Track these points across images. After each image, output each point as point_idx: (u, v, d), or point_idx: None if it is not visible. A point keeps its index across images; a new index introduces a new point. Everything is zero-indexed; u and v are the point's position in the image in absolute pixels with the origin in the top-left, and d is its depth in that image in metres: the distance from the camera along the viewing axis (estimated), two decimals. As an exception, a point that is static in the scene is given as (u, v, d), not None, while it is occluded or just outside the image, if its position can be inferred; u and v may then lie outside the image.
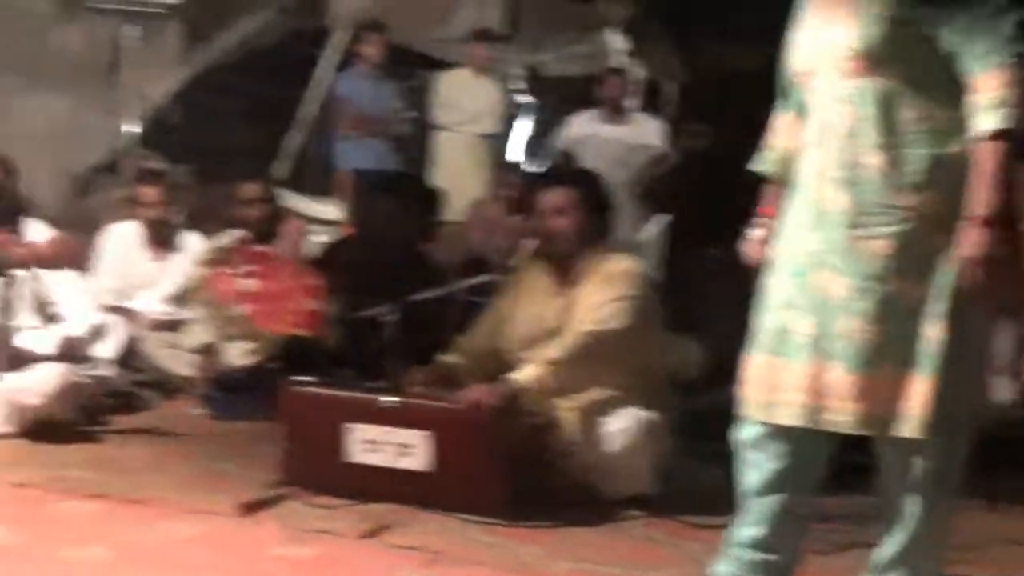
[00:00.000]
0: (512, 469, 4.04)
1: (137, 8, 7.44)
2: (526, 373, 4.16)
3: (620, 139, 8.44)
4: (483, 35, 9.11)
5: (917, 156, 2.90)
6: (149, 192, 6.30)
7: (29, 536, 3.58)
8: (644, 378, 4.37)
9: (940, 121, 2.90)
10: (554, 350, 4.22)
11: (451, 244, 7.30)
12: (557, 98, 10.05)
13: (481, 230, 7.53)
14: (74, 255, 5.07)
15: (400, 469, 4.09)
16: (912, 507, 3.03)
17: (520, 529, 3.92)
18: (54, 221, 7.00)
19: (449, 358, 4.57)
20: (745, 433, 3.11)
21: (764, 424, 3.05)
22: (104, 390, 5.28)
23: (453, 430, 4.05)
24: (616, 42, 10.45)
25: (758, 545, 3.13)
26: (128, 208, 6.76)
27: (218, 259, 5.75)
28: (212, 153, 10.13)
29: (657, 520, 4.09)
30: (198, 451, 4.77)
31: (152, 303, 6.30)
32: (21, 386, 4.67)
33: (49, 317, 5.70)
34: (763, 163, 3.30)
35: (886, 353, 2.92)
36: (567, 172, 6.72)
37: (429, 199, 6.86)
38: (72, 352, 5.27)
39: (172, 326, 6.18)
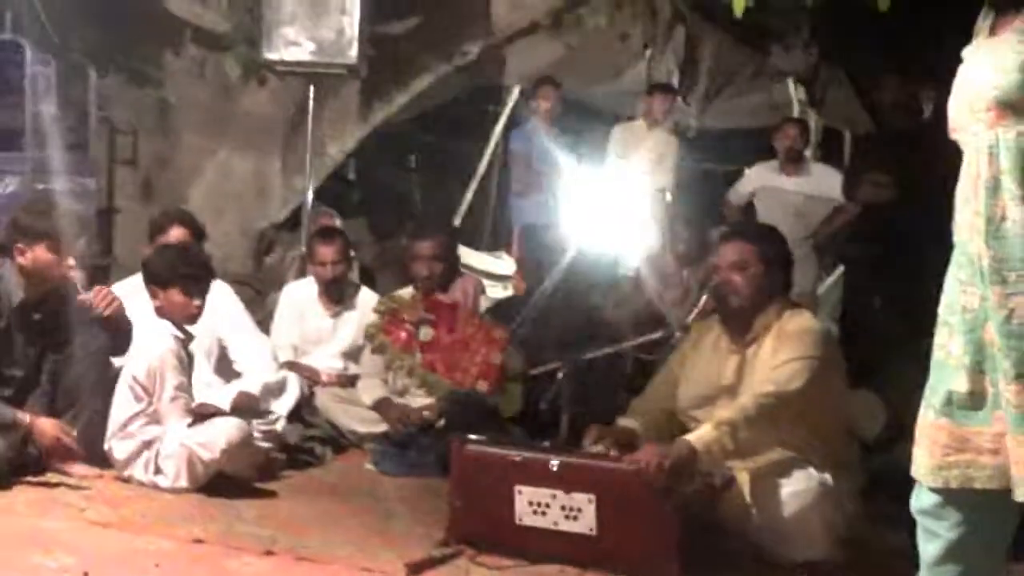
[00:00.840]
0: (684, 531, 3.93)
1: (320, 70, 7.59)
2: (701, 434, 4.04)
3: (798, 190, 8.28)
4: (659, 88, 9.08)
5: None
6: (325, 251, 6.38)
7: (201, 592, 3.61)
8: (825, 438, 4.24)
9: None
10: (731, 411, 4.09)
11: (625, 299, 7.24)
12: (733, 149, 9.92)
13: (654, 282, 7.43)
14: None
15: (568, 531, 4.01)
16: None
17: (691, 592, 3.81)
18: (236, 279, 7.21)
19: (626, 421, 4.49)
20: (924, 499, 2.96)
21: (943, 489, 2.90)
22: (278, 445, 5.31)
23: (620, 493, 3.96)
24: (793, 91, 10.29)
25: None
26: (305, 265, 6.88)
27: (396, 307, 5.77)
28: (388, 208, 10.30)
29: (833, 585, 3.94)
30: (368, 507, 4.77)
31: (327, 359, 6.38)
32: (197, 440, 4.74)
33: (229, 373, 5.83)
34: None
35: None
36: (747, 226, 6.60)
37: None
38: (248, 408, 5.35)
39: (346, 382, 6.24)
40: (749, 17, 6.25)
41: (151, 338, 4.96)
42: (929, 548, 2.98)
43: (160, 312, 5.00)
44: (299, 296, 6.54)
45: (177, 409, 4.87)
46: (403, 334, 5.66)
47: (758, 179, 8.52)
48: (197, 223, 6.10)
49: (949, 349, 2.94)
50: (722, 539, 4.14)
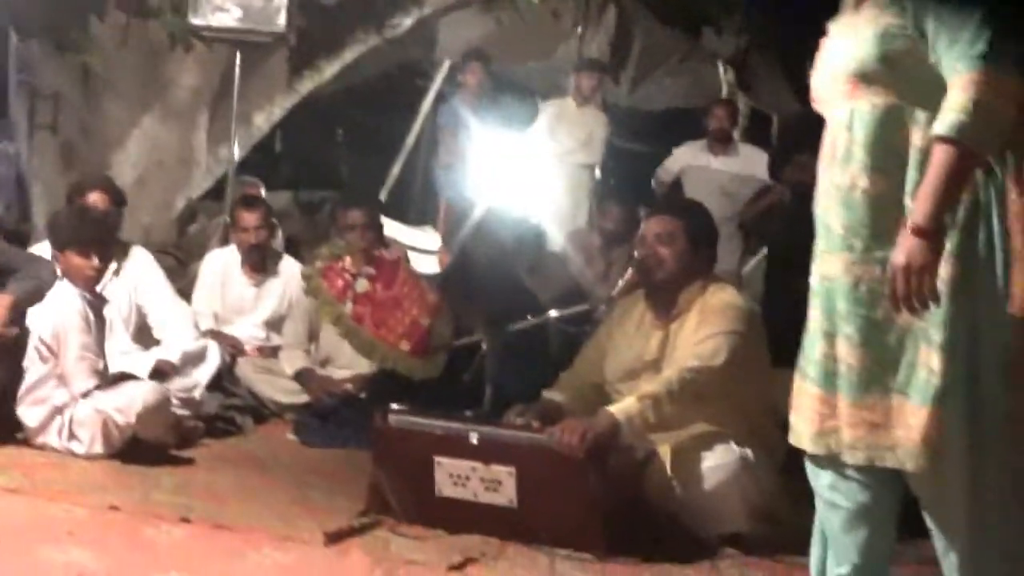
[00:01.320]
0: (606, 504, 3.92)
1: (247, 37, 7.47)
2: (624, 406, 4.03)
3: (725, 170, 8.32)
4: (587, 66, 9.06)
5: (911, 180, 2.80)
6: (248, 217, 6.31)
7: (117, 561, 3.53)
8: (747, 414, 4.25)
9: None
10: (655, 385, 4.09)
11: (549, 274, 7.24)
12: (662, 129, 9.95)
13: (580, 258, 7.44)
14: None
15: (488, 504, 4.00)
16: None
17: (613, 565, 3.81)
18: (159, 248, 7.11)
19: (551, 394, 4.47)
20: (818, 469, 3.02)
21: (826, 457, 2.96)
22: (197, 414, 5.25)
23: (541, 466, 3.95)
24: (723, 73, 10.34)
25: None
26: (228, 234, 6.80)
27: (341, 254, 5.69)
28: (314, 182, 10.22)
29: (754, 560, 3.95)
30: (288, 478, 4.72)
31: (249, 328, 6.32)
32: (112, 405, 4.67)
33: (148, 341, 5.75)
34: None
35: (876, 378, 2.84)
36: (673, 201, 6.61)
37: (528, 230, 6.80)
38: (167, 376, 5.29)
39: (269, 352, 6.18)
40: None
41: (56, 299, 4.88)
42: (832, 519, 3.02)
43: (64, 274, 4.92)
44: (221, 264, 6.46)
45: (83, 370, 4.79)
46: (340, 282, 5.55)
47: (686, 158, 8.55)
48: (116, 189, 6.01)
49: (813, 316, 2.99)
50: (645, 512, 4.14)
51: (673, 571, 3.82)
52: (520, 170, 9.14)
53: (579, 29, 9.73)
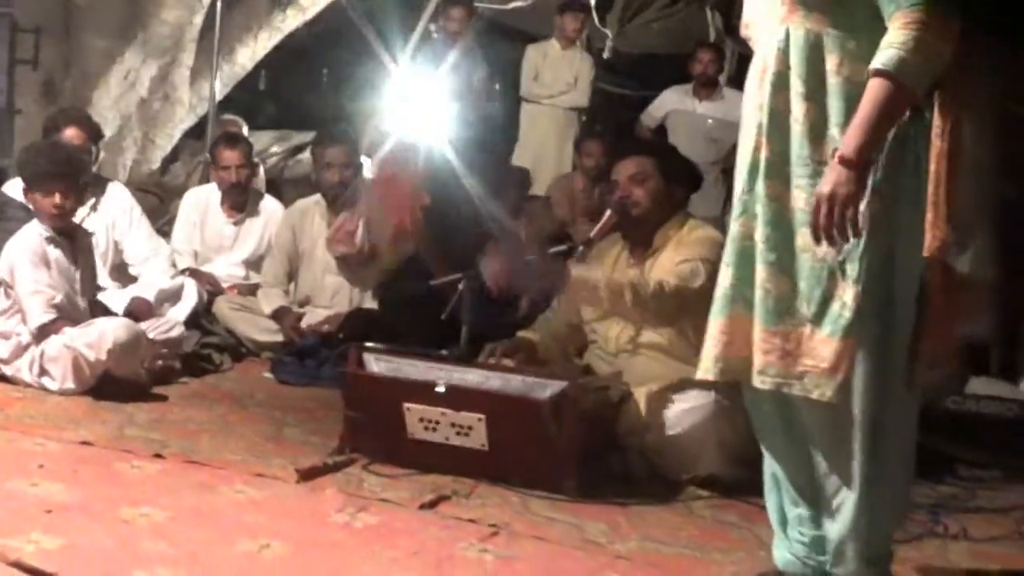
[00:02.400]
0: (579, 447, 3.93)
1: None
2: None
3: (711, 116, 8.28)
4: (571, 6, 8.97)
5: (838, 108, 2.78)
6: (229, 155, 6.27)
7: (88, 494, 3.52)
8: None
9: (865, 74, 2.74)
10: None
11: (537, 219, 7.21)
12: (647, 73, 9.86)
13: (564, 204, 7.42)
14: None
15: (460, 446, 4.00)
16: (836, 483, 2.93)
17: (586, 506, 3.81)
18: (140, 187, 7.07)
19: (529, 334, 4.47)
20: (745, 395, 3.07)
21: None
22: (174, 352, 5.23)
23: (508, 415, 3.94)
24: (710, 18, 10.24)
25: (800, 522, 3.08)
26: (210, 172, 6.76)
27: None
28: (298, 122, 10.13)
29: (726, 501, 3.97)
30: (264, 416, 4.72)
31: (228, 267, 6.30)
32: (83, 341, 4.64)
33: (126, 278, 5.72)
34: None
35: (791, 307, 2.84)
36: (644, 141, 6.58)
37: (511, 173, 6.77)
38: (143, 313, 5.27)
39: (248, 291, 6.17)
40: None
41: (18, 234, 4.87)
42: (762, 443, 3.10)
43: (34, 210, 4.88)
44: (201, 202, 6.44)
45: (37, 304, 4.76)
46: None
47: (671, 103, 8.51)
48: (93, 124, 5.96)
49: (733, 238, 2.97)
50: (618, 454, 4.14)
51: (646, 513, 3.83)
52: (504, 113, 9.11)
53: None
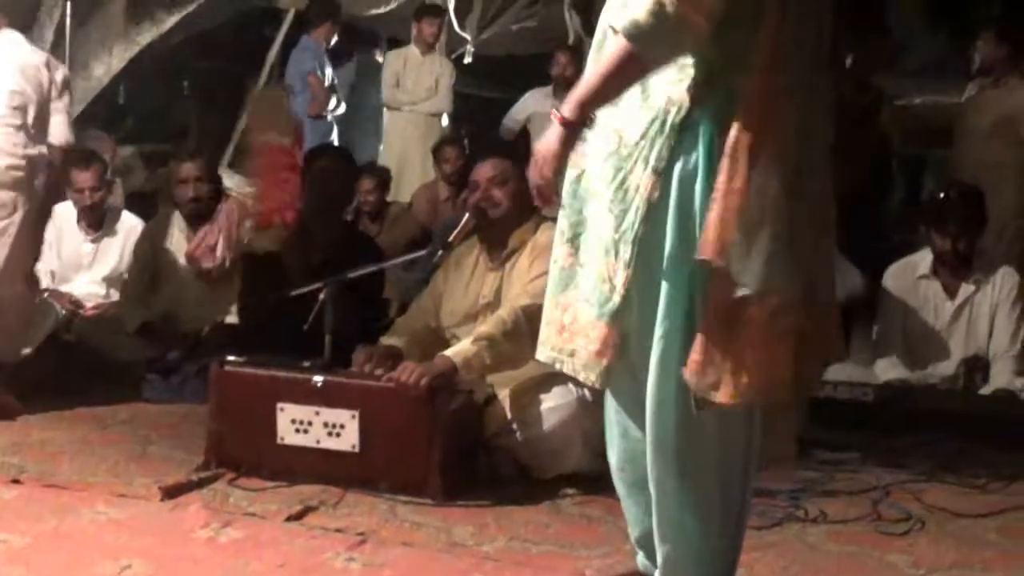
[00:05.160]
0: (445, 448, 3.95)
1: (79, -15, 7.24)
2: (460, 348, 4.06)
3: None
4: (427, 11, 8.98)
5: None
6: (81, 177, 6.17)
7: (-61, 527, 3.46)
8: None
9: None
10: (489, 326, 4.12)
11: (399, 224, 7.23)
12: (508, 75, 9.94)
13: (427, 209, 7.43)
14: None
15: (330, 450, 4.00)
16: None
17: (453, 509, 3.83)
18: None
19: (390, 339, 4.47)
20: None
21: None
22: (35, 371, 5.13)
23: (382, 409, 3.96)
24: (569, 19, 10.35)
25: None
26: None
27: None
28: (160, 134, 10.00)
29: (593, 498, 4.00)
30: (127, 435, 4.67)
31: (88, 285, 6.21)
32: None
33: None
34: None
35: (571, 279, 2.75)
36: (501, 144, 6.62)
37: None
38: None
39: (109, 308, 6.08)
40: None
41: None
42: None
43: None
44: (56, 220, 6.30)
45: None
46: None
47: (532, 105, 8.57)
48: None
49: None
50: (484, 455, 4.17)
51: (514, 512, 3.85)
52: (366, 120, 9.11)
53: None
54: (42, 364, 5.29)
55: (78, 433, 4.63)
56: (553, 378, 4.19)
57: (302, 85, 8.96)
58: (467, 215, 4.42)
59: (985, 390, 5.27)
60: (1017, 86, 6.76)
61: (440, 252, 4.44)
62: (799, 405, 4.43)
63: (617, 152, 2.64)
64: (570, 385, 4.17)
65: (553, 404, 4.15)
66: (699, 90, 2.56)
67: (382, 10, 9.84)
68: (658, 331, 2.60)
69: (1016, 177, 6.63)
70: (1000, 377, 5.29)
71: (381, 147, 9.25)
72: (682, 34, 2.47)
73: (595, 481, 4.06)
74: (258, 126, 7.77)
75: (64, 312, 5.80)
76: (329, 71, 8.84)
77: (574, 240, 2.76)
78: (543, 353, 2.83)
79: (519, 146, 4.86)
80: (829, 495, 4.13)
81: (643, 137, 2.60)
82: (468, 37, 10.26)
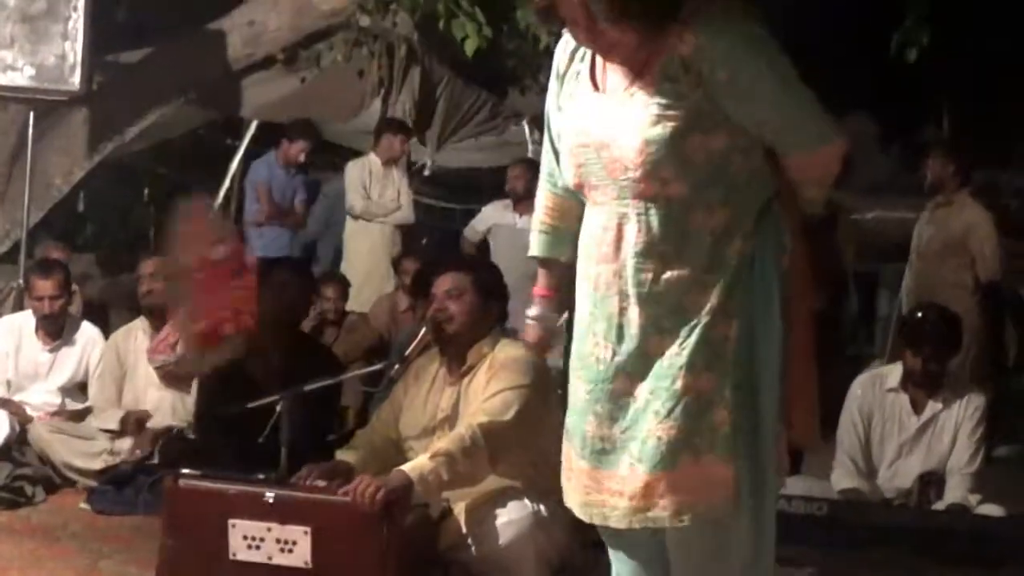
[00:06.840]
0: (399, 564, 3.92)
1: (40, 95, 7.27)
2: (417, 464, 4.04)
3: (530, 228, 8.38)
4: (390, 126, 9.08)
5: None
6: (43, 284, 6.17)
7: None
8: (541, 468, 4.27)
9: (721, 220, 2.70)
10: (447, 442, 4.10)
11: (356, 332, 7.24)
12: (469, 186, 10.05)
13: (385, 319, 7.45)
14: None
15: (282, 566, 3.96)
16: None
17: (406, 625, 3.80)
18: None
19: (344, 454, 4.44)
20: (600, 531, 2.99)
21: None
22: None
23: (335, 525, 3.92)
24: (527, 133, 10.50)
25: None
26: (24, 298, 6.63)
27: None
28: (119, 242, 10.04)
29: (545, 613, 3.98)
30: (79, 548, 4.62)
31: (43, 394, 6.18)
32: None
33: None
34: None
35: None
36: (460, 257, 6.67)
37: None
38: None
39: (66, 417, 6.05)
40: (483, 60, 6.32)
41: None
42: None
43: None
44: (15, 329, 6.31)
45: None
46: None
47: (492, 217, 8.61)
48: None
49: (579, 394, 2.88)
50: (440, 570, 4.14)
51: (465, 628, 3.84)
52: (329, 230, 9.16)
53: (383, 89, 9.77)
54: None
55: (27, 547, 4.59)
56: (508, 492, 4.20)
57: (254, 194, 9.07)
58: (424, 328, 4.44)
59: (939, 505, 5.29)
60: (966, 204, 6.90)
61: (397, 366, 4.44)
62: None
63: None
64: (526, 500, 4.18)
65: (508, 519, 4.13)
66: None
67: (345, 124, 9.98)
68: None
69: (971, 299, 6.74)
70: (955, 491, 5.31)
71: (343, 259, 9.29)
72: None
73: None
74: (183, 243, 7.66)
75: (16, 426, 5.75)
76: (295, 184, 8.97)
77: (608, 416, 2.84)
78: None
79: (478, 259, 4.88)
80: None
81: None
82: (428, 149, 10.37)
